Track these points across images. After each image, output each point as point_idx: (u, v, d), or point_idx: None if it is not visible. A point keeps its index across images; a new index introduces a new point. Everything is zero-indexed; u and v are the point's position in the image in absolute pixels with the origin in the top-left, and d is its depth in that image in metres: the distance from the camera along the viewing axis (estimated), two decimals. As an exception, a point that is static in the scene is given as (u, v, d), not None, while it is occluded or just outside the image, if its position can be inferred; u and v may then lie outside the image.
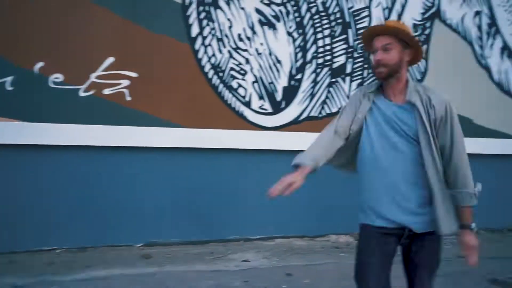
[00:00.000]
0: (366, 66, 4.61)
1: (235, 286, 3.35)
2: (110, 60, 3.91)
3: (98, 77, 3.90)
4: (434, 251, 1.96)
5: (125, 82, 3.97)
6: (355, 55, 4.57)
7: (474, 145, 5.03)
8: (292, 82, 4.41)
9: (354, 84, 4.58)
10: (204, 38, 4.13)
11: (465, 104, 4.92)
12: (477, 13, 4.98)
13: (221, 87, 4.21)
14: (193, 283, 3.38)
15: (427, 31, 4.80)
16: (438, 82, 4.81)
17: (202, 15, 4.11)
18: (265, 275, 3.60)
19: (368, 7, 4.57)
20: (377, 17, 4.60)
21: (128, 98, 3.98)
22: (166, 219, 4.22)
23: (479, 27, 4.98)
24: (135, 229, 4.14)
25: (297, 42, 4.39)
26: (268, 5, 4.28)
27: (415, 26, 4.74)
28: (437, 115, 1.86)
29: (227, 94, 4.23)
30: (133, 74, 3.98)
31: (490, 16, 5.04)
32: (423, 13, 4.78)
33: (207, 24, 4.13)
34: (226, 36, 4.19)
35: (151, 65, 4.02)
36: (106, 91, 3.92)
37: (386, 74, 1.90)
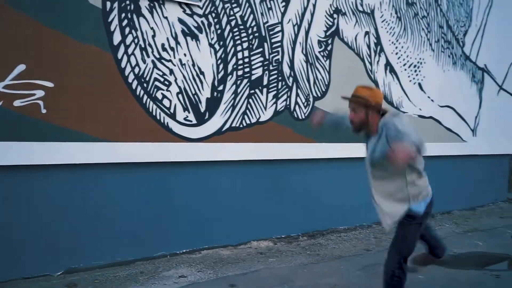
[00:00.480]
0: (280, 78, 4.87)
1: (184, 304, 3.27)
2: (21, 67, 3.45)
3: (7, 86, 3.40)
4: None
5: (40, 93, 3.54)
6: (271, 67, 4.79)
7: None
8: (215, 94, 4.43)
9: (270, 95, 4.79)
10: (127, 46, 3.90)
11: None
12: (366, 33, 5.63)
13: (145, 98, 4.03)
14: (140, 308, 3.20)
15: (329, 47, 5.26)
16: (338, 93, 5.31)
17: (124, 22, 3.88)
18: (209, 289, 3.57)
19: (280, 23, 4.83)
20: (288, 32, 4.89)
21: (44, 111, 3.56)
22: (85, 240, 3.87)
23: (368, 46, 5.64)
24: (51, 256, 3.71)
25: (219, 54, 4.43)
26: (190, 15, 4.23)
27: (319, 42, 5.17)
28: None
29: (152, 106, 4.07)
30: (48, 84, 3.56)
31: (376, 36, 5.74)
32: (326, 31, 5.22)
33: (130, 32, 3.91)
34: (150, 45, 4.02)
35: (69, 74, 3.65)
36: (17, 103, 3.45)
37: (357, 128, 2.74)
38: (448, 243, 5.14)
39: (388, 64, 5.89)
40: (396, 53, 5.97)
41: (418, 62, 6.25)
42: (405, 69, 6.09)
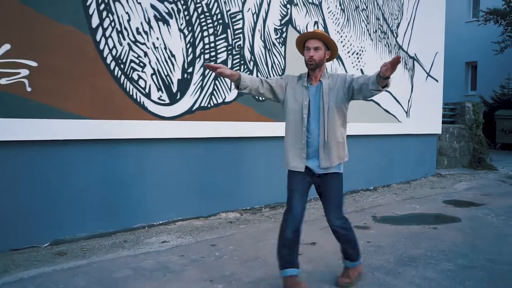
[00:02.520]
0: (242, 62, 5.30)
1: (174, 261, 3.62)
2: (6, 47, 3.60)
3: (-7, 65, 3.55)
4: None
5: (24, 72, 3.70)
6: (234, 52, 5.20)
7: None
8: (185, 75, 4.77)
9: (234, 78, 5.21)
10: (104, 29, 4.14)
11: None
12: (316, 22, 6.21)
13: (123, 78, 4.29)
14: (135, 264, 3.51)
15: (284, 35, 5.77)
16: (293, 77, 5.85)
17: (102, 6, 4.11)
18: (193, 249, 3.94)
19: (241, 11, 5.25)
20: (248, 20, 5.32)
21: (29, 89, 3.72)
22: (69, 214, 4.08)
23: (317, 34, 6.22)
24: (37, 229, 3.89)
25: (188, 39, 4.77)
26: (161, 1, 4.53)
27: (275, 30, 5.66)
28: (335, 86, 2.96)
29: (128, 85, 4.33)
30: (32, 63, 3.74)
31: (324, 26, 6.34)
32: (281, 20, 5.72)
33: (107, 16, 4.15)
34: (125, 29, 4.28)
35: (52, 55, 3.83)
36: (3, 81, 3.60)
37: (315, 66, 2.94)
38: (391, 209, 5.89)
39: (334, 52, 6.51)
40: (341, 42, 6.61)
41: (360, 50, 6.95)
42: (349, 56, 6.76)
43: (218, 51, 5.06)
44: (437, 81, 8.81)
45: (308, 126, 2.96)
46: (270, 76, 5.55)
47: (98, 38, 4.12)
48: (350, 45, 6.80)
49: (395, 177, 7.92)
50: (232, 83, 2.96)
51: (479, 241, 4.34)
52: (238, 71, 3.20)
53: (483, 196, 6.90)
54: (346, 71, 6.69)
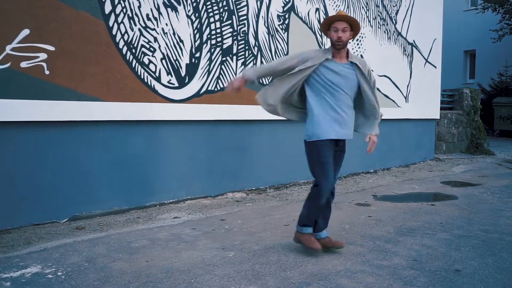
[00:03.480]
0: (247, 47, 5.49)
1: (187, 232, 3.85)
2: (26, 32, 3.80)
3: (14, 49, 3.74)
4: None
5: (43, 56, 3.90)
6: (239, 38, 5.39)
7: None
8: (193, 60, 4.97)
9: (239, 62, 5.41)
10: (116, 15, 4.33)
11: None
12: (317, 9, 6.40)
13: (134, 62, 4.49)
14: (150, 236, 3.74)
15: (287, 21, 5.96)
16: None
17: (113, -7, 4.31)
18: (204, 223, 4.17)
19: (246, -2, 5.45)
20: (252, 7, 5.51)
21: (47, 72, 3.93)
22: (85, 191, 4.30)
23: (319, 21, 6.41)
24: (55, 206, 4.11)
25: (195, 25, 4.96)
26: (170, -11, 4.73)
27: (278, 16, 5.84)
28: (365, 71, 3.28)
29: (140, 69, 4.54)
30: (50, 48, 3.93)
31: (325, 13, 6.52)
32: (283, 7, 5.91)
33: (119, 2, 4.34)
34: (136, 15, 4.47)
35: (68, 39, 4.03)
36: (23, 64, 3.80)
37: (342, 46, 3.18)
38: (391, 188, 6.11)
39: (335, 38, 6.69)
40: (342, 28, 6.79)
41: (359, 37, 7.14)
42: (349, 42, 6.93)
43: (224, 37, 5.25)
44: (435, 67, 9.01)
45: (343, 98, 3.22)
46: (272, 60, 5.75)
47: (111, 24, 4.31)
48: (351, 31, 6.97)
49: (395, 161, 8.15)
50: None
51: (474, 215, 4.57)
52: (242, 71, 3.53)
53: (480, 177, 7.13)
54: (346, 57, 6.87)
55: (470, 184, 6.52)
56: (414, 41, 8.37)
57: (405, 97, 8.18)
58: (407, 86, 8.22)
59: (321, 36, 6.45)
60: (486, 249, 3.49)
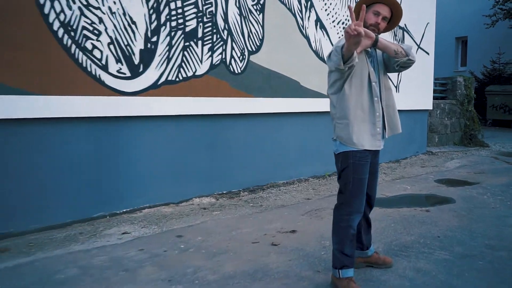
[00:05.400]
0: (214, 31, 4.75)
1: (131, 256, 3.15)
2: None
3: None
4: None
5: (-50, 39, 3.15)
6: (205, 19, 4.65)
7: (301, 105, 5.80)
8: (149, 45, 4.22)
9: (206, 48, 4.67)
10: (49, -10, 3.58)
11: (293, 69, 5.60)
12: (297, -12, 5.67)
13: (73, 48, 3.74)
14: (84, 262, 3.03)
15: (261, 1, 5.22)
16: (271, 48, 5.33)
17: (44, -37, 3.54)
18: (155, 241, 3.47)
19: (213, -27, 4.69)
20: (220, -16, 4.77)
21: (-43, 60, 3.17)
22: (15, 204, 3.57)
23: (299, 1, 5.68)
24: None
25: (151, 3, 4.21)
26: (118, -40, 3.96)
27: (252, -5, 5.11)
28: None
29: (81, 56, 3.79)
30: (-40, 29, 3.18)
31: (306, -8, 5.80)
32: (258, -16, 5.17)
33: (52, -25, 3.59)
34: (75, -10, 3.72)
35: (-16, 18, 3.28)
36: None
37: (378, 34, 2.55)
38: (380, 189, 5.46)
39: (318, 20, 5.98)
40: (326, 10, 6.07)
41: (345, 19, 6.42)
42: (334, 26, 6.23)
43: (187, 18, 4.50)
44: (428, 54, 8.33)
45: (379, 95, 2.62)
46: (246, 47, 5.03)
47: (41, 1, 3.55)
48: (335, 13, 6.26)
49: (384, 156, 7.49)
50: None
51: (476, 224, 3.94)
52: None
53: (477, 174, 6.52)
54: (331, 42, 6.17)
55: (467, 182, 5.90)
56: (405, 25, 7.67)
57: (396, 87, 7.50)
58: (398, 75, 7.54)
59: (301, 18, 5.73)
60: (494, 274, 2.84)
